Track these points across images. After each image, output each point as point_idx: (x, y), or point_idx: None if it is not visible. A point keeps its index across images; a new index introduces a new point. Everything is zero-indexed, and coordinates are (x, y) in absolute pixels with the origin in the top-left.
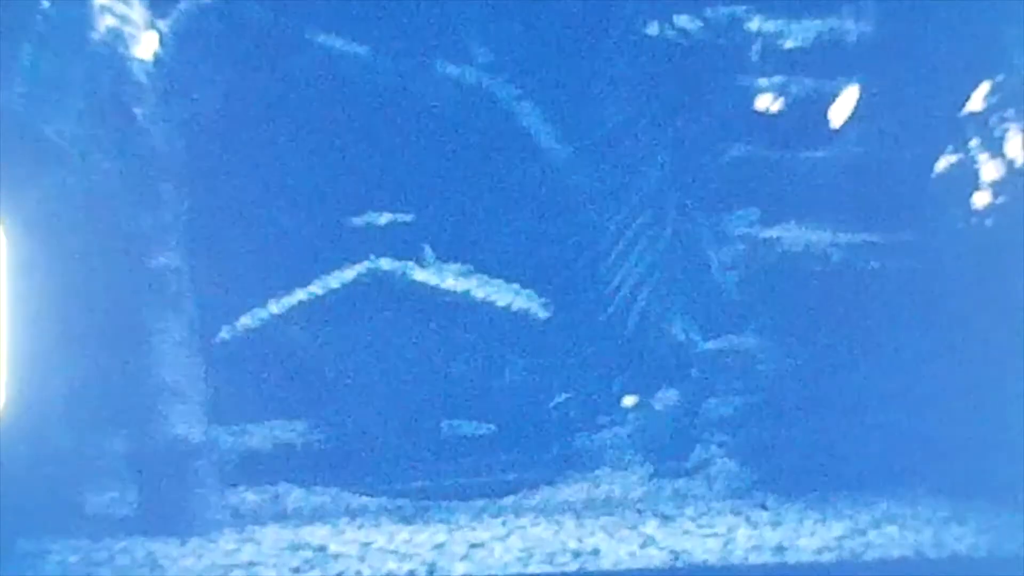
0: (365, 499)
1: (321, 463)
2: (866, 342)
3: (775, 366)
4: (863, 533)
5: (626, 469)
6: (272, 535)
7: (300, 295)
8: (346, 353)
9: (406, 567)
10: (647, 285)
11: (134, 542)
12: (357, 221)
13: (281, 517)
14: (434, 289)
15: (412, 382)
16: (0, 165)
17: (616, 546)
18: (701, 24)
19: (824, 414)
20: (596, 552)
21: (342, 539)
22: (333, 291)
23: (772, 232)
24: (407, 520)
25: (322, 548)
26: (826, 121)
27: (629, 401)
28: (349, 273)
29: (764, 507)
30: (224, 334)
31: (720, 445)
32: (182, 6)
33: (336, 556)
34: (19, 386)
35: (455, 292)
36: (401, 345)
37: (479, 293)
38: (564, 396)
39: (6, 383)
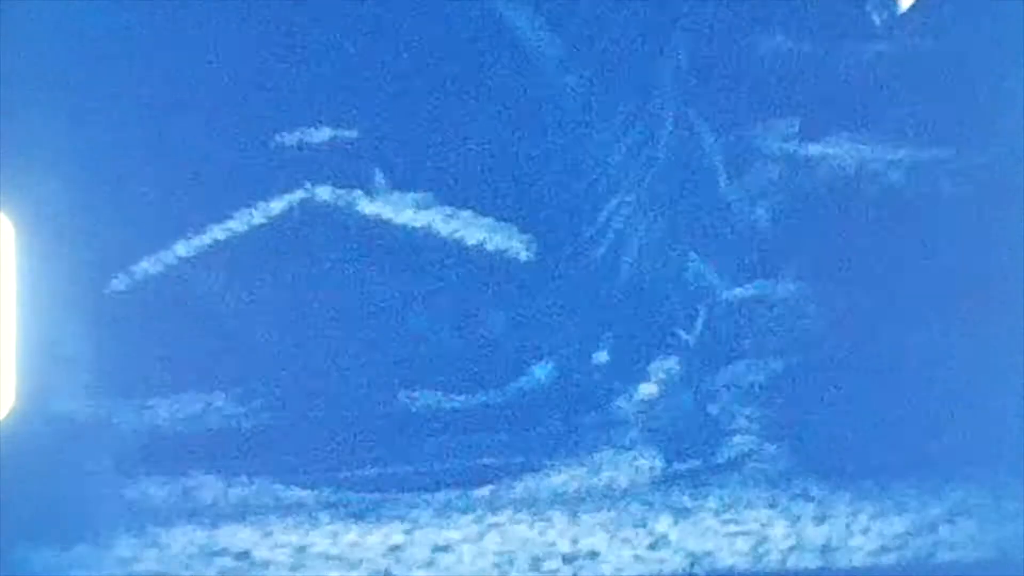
0: (301, 491)
1: (244, 446)
2: (935, 289)
3: (819, 320)
4: (932, 529)
5: (632, 451)
6: (181, 538)
7: (215, 233)
8: (275, 307)
9: None
10: (653, 216)
11: (3, 548)
12: (287, 139)
13: (193, 515)
14: (387, 224)
15: (360, 342)
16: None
17: (619, 548)
18: None
19: (881, 380)
20: (594, 556)
21: (271, 542)
22: (257, 228)
23: (815, 148)
24: (355, 517)
25: (245, 554)
26: (887, 4)
27: (647, 390)
28: (277, 205)
29: (807, 497)
30: (118, 283)
31: (750, 420)
32: None
33: (264, 564)
34: None
35: (413, 228)
36: (345, 296)
37: (443, 229)
38: (604, 354)
39: None
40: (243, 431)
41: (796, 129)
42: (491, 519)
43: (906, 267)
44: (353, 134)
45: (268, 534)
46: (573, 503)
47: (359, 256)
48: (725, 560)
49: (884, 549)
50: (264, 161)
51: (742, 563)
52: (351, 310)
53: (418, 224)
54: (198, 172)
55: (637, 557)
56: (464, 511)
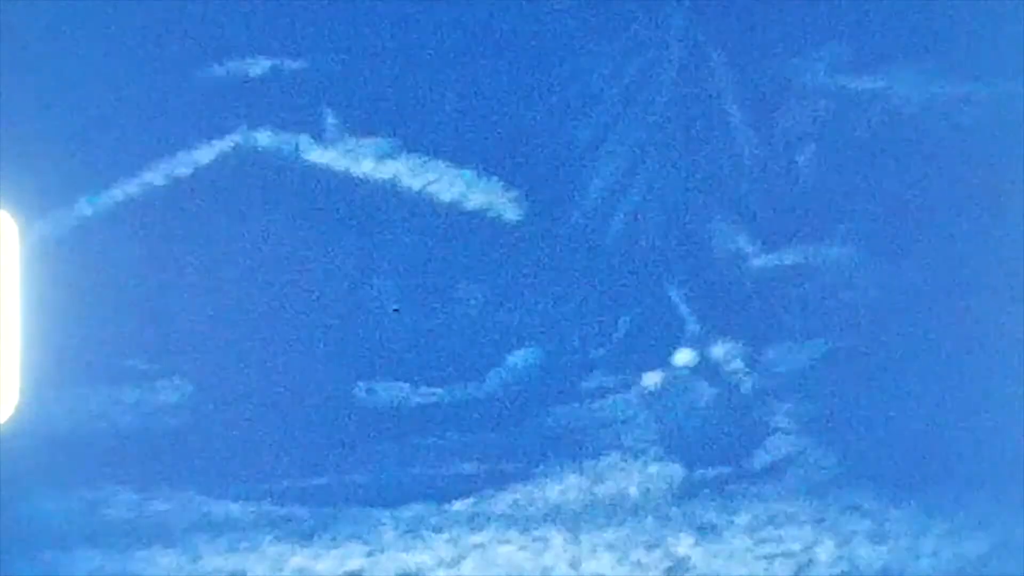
0: (235, 506)
1: (165, 450)
2: (1014, 258)
3: (873, 293)
4: (1019, 551)
5: (644, 455)
6: (85, 564)
7: (129, 188)
8: (202, 277)
9: None
10: (667, 168)
11: None
12: (218, 71)
13: (100, 536)
14: (341, 177)
15: (308, 322)
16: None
17: (630, 574)
18: None
19: (952, 366)
20: None
21: (198, 569)
22: (181, 181)
23: (869, 81)
24: (302, 537)
25: None
26: None
27: (652, 380)
28: (206, 153)
29: (860, 511)
30: None
31: (789, 416)
32: None
33: None
34: None
35: (374, 182)
36: (289, 265)
37: (411, 183)
38: (607, 337)
39: None
40: (162, 431)
41: (848, 58)
42: (471, 539)
43: (979, 229)
44: (299, 65)
45: (195, 558)
46: (572, 519)
47: (306, 216)
48: None
49: (957, 575)
50: (189, 99)
51: None
52: (296, 282)
53: (380, 177)
54: (107, 113)
55: None
56: (438, 529)
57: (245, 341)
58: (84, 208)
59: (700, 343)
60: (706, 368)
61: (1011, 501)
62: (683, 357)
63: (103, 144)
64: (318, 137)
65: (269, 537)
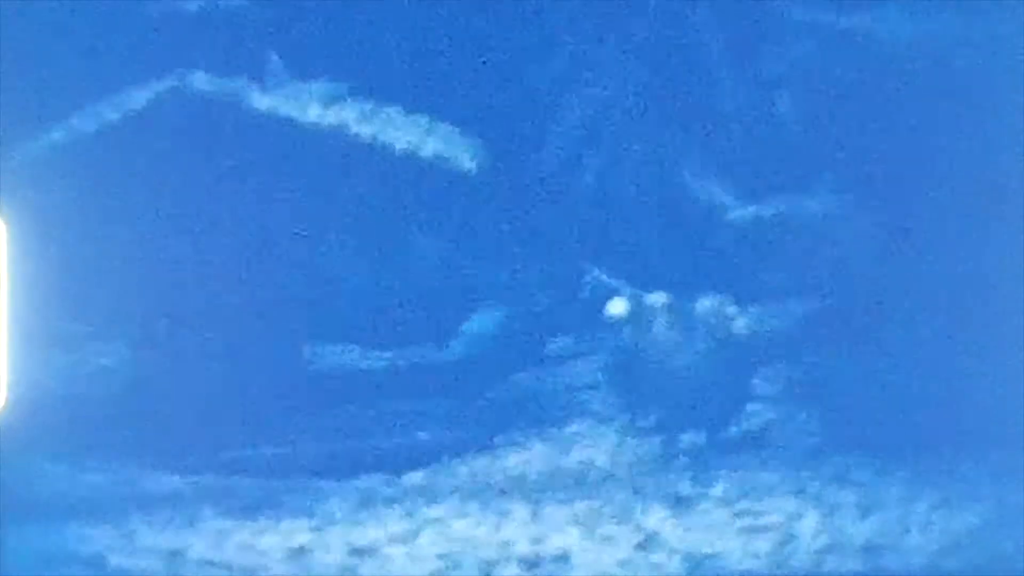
0: (174, 479)
1: (98, 419)
2: (1014, 205)
3: (860, 246)
4: (1013, 523)
5: (613, 421)
6: (13, 538)
7: (55, 134)
8: (135, 229)
9: None
10: (638, 111)
11: None
12: (151, 8)
13: (28, 508)
14: (285, 124)
15: (252, 280)
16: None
17: (597, 549)
18: None
19: (944, 326)
20: (564, 559)
21: (134, 545)
22: (111, 127)
23: (854, 18)
24: (246, 512)
25: (99, 559)
26: None
27: (617, 308)
28: (139, 97)
29: (846, 482)
30: None
31: (770, 380)
32: None
33: (125, 574)
34: None
35: (321, 129)
36: (230, 218)
37: (362, 131)
38: (571, 296)
39: None
40: (95, 398)
41: None
42: (426, 512)
43: (974, 176)
44: (238, 2)
45: (130, 535)
46: (535, 491)
47: (248, 166)
48: (737, 564)
49: (950, 549)
50: (120, 39)
51: (760, 568)
52: (238, 238)
53: (328, 124)
54: (31, 52)
55: (621, 561)
56: (391, 502)
57: (183, 301)
58: (8, 159)
59: (671, 300)
60: (681, 328)
61: (1006, 470)
62: (616, 307)
63: (26, 89)
64: (260, 80)
65: (210, 512)
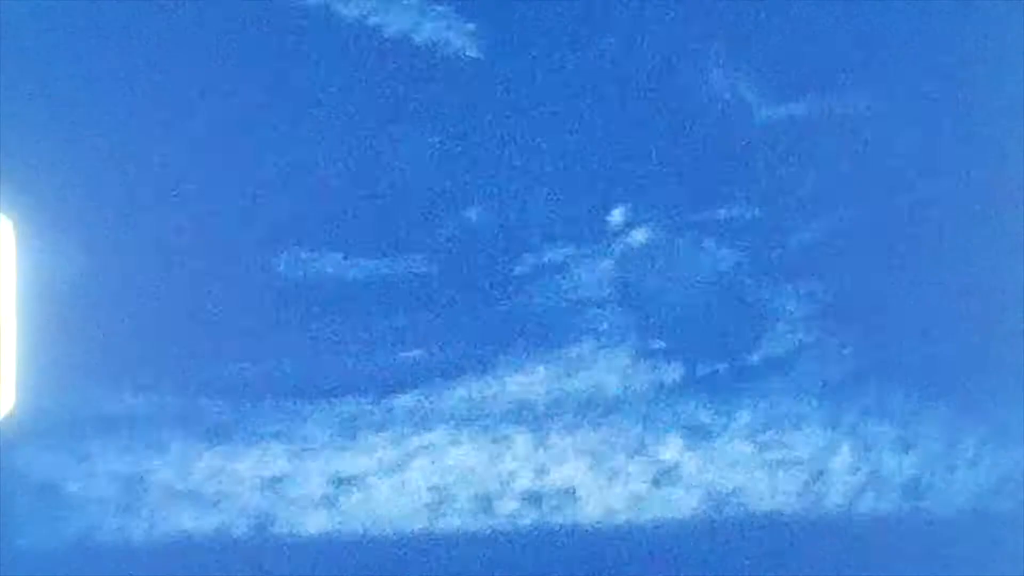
0: (132, 399)
1: (49, 333)
2: None
3: (898, 149)
4: None
5: (624, 343)
6: None
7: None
8: (92, 117)
9: (209, 523)
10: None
11: None
12: None
13: None
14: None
15: (218, 177)
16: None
17: (607, 484)
18: None
19: (991, 240)
20: (570, 493)
21: (88, 470)
22: None
23: None
24: (214, 436)
25: (50, 488)
26: None
27: (629, 215)
28: None
29: (883, 413)
30: None
31: (799, 299)
32: None
33: (79, 501)
34: None
35: (302, 7)
36: (196, 104)
37: (344, 11)
38: (602, 179)
39: None
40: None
41: None
42: (416, 440)
43: None
44: None
45: (84, 459)
46: (538, 418)
47: (219, 47)
48: (761, 503)
49: (1000, 488)
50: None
51: (787, 507)
52: (204, 128)
53: (309, 3)
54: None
55: (633, 497)
56: (377, 428)
57: (141, 200)
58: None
59: (689, 207)
60: (700, 241)
61: None
62: (629, 214)
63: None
64: None
65: (172, 436)
